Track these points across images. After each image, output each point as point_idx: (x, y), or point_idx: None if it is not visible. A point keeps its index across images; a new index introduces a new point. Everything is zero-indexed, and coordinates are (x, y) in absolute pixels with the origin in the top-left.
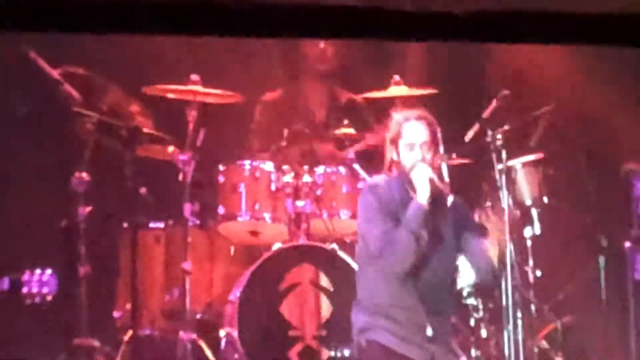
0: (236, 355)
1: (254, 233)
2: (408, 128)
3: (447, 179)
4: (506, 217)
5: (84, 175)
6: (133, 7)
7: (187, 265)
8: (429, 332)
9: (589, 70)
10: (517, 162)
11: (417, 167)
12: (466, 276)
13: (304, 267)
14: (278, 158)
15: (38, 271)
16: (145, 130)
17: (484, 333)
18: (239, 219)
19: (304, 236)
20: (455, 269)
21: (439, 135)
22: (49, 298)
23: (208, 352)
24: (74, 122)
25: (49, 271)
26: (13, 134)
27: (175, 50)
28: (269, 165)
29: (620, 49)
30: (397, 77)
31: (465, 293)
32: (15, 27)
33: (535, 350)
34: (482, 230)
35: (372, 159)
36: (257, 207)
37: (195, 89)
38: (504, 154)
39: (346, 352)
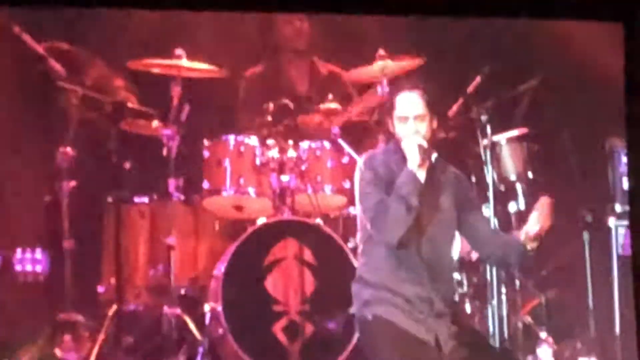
0: (220, 330)
1: (239, 208)
2: (401, 100)
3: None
4: (490, 193)
5: (69, 150)
6: None
7: (171, 240)
8: (436, 305)
9: (573, 45)
10: (501, 138)
11: (408, 137)
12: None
13: (289, 242)
14: (263, 133)
15: (29, 250)
16: (130, 105)
17: (468, 308)
18: (224, 193)
19: (288, 211)
20: (452, 241)
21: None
22: (41, 278)
23: (192, 327)
24: (59, 97)
25: (39, 250)
26: None
27: (160, 25)
28: (253, 140)
29: (603, 23)
30: (382, 51)
31: None
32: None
33: (520, 325)
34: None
35: (357, 134)
36: (241, 181)
37: (180, 64)
38: (488, 129)
39: (330, 327)
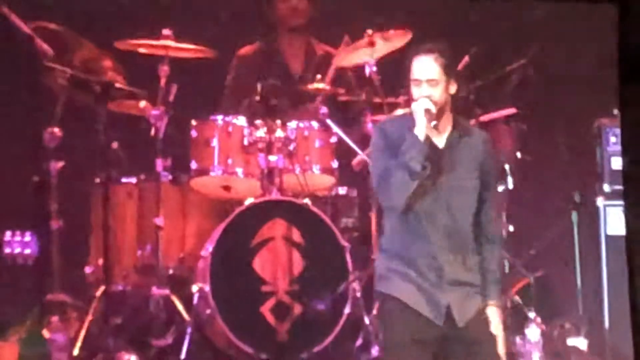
0: (208, 311)
1: (227, 188)
2: (416, 63)
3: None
4: None
5: (56, 130)
6: None
7: (159, 221)
8: (450, 275)
9: (562, 26)
10: (489, 118)
11: (418, 100)
12: None
13: (277, 222)
14: (251, 112)
15: (19, 233)
16: (118, 85)
17: None
18: (212, 173)
19: (276, 191)
20: (473, 209)
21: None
22: (30, 261)
23: (180, 307)
24: (46, 77)
25: (29, 233)
26: None
27: (148, 4)
28: (241, 120)
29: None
30: (369, 31)
31: None
32: None
33: (508, 304)
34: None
35: (346, 113)
36: (229, 161)
37: (167, 44)
38: (477, 110)
39: (319, 307)
